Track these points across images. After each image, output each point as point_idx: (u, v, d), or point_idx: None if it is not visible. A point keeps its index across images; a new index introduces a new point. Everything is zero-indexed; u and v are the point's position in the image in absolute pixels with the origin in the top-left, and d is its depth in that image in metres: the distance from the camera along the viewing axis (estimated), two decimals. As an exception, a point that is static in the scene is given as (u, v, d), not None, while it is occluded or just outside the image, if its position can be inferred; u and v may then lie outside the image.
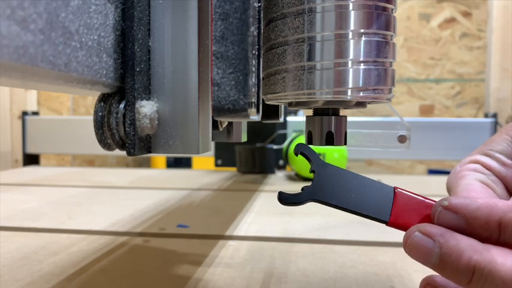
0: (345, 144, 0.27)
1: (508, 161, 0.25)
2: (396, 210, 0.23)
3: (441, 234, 0.20)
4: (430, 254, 0.20)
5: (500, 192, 0.25)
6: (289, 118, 0.97)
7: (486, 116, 1.08)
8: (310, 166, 0.24)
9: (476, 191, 0.24)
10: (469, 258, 0.19)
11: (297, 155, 0.25)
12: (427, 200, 0.23)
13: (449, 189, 0.26)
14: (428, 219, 0.22)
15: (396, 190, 0.23)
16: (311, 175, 0.24)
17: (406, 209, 0.23)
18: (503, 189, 0.25)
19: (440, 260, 0.20)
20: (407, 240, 0.21)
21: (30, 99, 1.28)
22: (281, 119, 0.37)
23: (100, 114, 0.22)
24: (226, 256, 0.38)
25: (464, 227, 0.20)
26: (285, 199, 0.24)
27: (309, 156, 0.24)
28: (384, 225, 0.23)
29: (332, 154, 0.82)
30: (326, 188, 0.23)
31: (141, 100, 0.22)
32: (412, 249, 0.21)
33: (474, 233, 0.20)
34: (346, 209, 0.23)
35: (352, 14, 0.23)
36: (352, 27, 0.23)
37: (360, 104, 0.26)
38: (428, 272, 0.33)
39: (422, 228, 0.21)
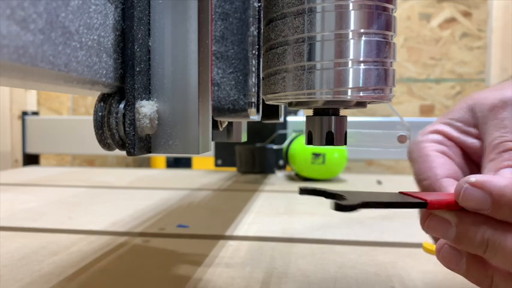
0: (345, 144, 0.27)
1: (466, 128, 0.27)
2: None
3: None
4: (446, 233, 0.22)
5: (458, 162, 0.27)
6: (289, 118, 0.97)
7: (486, 116, 1.08)
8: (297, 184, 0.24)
9: (436, 162, 0.25)
10: (482, 234, 0.21)
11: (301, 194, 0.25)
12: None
13: (411, 159, 0.27)
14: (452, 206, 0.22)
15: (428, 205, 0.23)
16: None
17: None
18: (461, 159, 0.27)
19: (456, 235, 0.22)
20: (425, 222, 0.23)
21: (30, 99, 1.28)
22: (281, 119, 0.37)
23: (100, 114, 0.22)
24: (226, 256, 0.38)
25: (490, 204, 0.21)
26: (341, 208, 0.23)
27: (328, 194, 0.24)
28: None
29: (332, 154, 0.82)
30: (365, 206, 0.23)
31: (141, 100, 0.22)
32: (428, 229, 0.23)
33: (499, 211, 0.21)
34: (390, 203, 0.23)
35: (352, 14, 0.23)
36: (352, 27, 0.23)
37: (360, 104, 0.26)
38: (429, 274, 0.33)
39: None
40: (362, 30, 0.23)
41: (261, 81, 0.26)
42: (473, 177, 0.21)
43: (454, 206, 0.22)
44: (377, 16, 0.24)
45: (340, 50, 0.23)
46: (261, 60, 0.26)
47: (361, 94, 0.24)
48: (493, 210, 0.21)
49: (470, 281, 0.24)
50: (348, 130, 0.27)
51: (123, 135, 0.22)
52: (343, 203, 0.22)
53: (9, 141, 1.25)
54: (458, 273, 0.24)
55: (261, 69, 0.26)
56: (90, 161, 1.77)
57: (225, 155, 0.98)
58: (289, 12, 0.24)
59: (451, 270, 0.24)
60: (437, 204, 0.22)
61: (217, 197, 0.67)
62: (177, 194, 0.69)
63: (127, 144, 0.21)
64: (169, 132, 0.22)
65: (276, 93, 0.26)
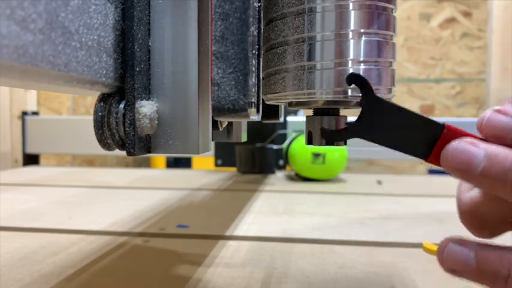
0: (345, 144, 0.27)
1: None
2: (440, 146, 0.22)
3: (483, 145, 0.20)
4: (473, 160, 0.20)
5: None
6: (289, 118, 0.97)
7: (486, 116, 1.08)
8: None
9: None
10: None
11: (350, 84, 0.23)
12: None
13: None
14: None
15: (445, 128, 0.22)
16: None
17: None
18: None
19: (485, 165, 0.20)
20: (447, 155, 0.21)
21: (30, 99, 1.28)
22: (281, 119, 0.37)
23: (100, 114, 0.22)
24: (226, 256, 0.38)
25: None
26: (329, 137, 0.23)
27: (362, 87, 0.23)
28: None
29: (332, 154, 0.82)
30: (370, 125, 0.23)
31: (141, 100, 0.22)
32: (454, 158, 0.20)
33: None
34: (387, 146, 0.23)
35: (352, 13, 0.23)
36: (352, 27, 0.23)
37: (360, 104, 0.26)
38: (429, 274, 0.33)
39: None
40: (362, 30, 0.23)
41: (261, 81, 0.26)
42: (496, 107, 0.20)
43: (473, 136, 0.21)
44: (377, 16, 0.24)
45: (340, 50, 0.23)
46: (261, 60, 0.26)
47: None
48: None
49: (480, 280, 0.21)
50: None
51: (123, 135, 0.22)
52: (330, 133, 0.23)
53: (9, 141, 1.25)
54: (466, 275, 0.22)
55: (261, 69, 0.26)
56: (90, 161, 1.77)
57: (225, 155, 0.98)
58: (289, 12, 0.24)
59: (457, 272, 0.22)
60: (455, 131, 0.21)
61: (217, 197, 0.67)
62: (177, 194, 0.69)
63: (127, 144, 0.21)
64: (169, 132, 0.22)
65: (276, 93, 0.26)
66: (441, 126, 0.22)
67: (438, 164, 0.22)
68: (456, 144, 0.21)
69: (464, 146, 0.20)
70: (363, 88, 0.23)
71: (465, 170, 0.20)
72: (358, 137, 0.23)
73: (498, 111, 0.21)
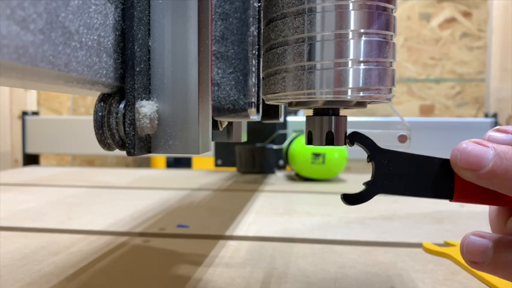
0: (345, 144, 0.27)
1: None
2: (459, 185, 0.23)
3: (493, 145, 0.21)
4: (483, 158, 0.21)
5: None
6: (289, 118, 0.97)
7: (486, 116, 1.08)
8: (366, 156, 0.24)
9: None
10: None
11: (352, 144, 0.25)
12: None
13: None
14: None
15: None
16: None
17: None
18: None
19: (494, 162, 0.20)
20: (457, 154, 0.22)
21: (30, 99, 1.28)
22: (281, 119, 0.37)
23: (100, 114, 0.22)
24: (226, 256, 0.38)
25: None
26: (351, 200, 0.24)
27: (365, 145, 0.24)
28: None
29: (332, 154, 0.82)
30: (386, 178, 0.24)
31: (141, 100, 0.22)
32: (464, 157, 0.21)
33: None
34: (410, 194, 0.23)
35: (352, 14, 0.23)
36: (352, 27, 0.23)
37: (360, 104, 0.26)
38: (429, 274, 0.33)
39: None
40: (362, 30, 0.23)
41: (261, 81, 0.26)
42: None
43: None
44: (377, 16, 0.24)
45: (340, 50, 0.23)
46: (261, 60, 0.26)
47: (361, 94, 0.24)
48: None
49: (497, 271, 0.22)
50: (348, 130, 0.27)
51: (123, 135, 0.22)
52: (351, 196, 0.23)
53: (9, 141, 1.25)
54: (484, 268, 0.22)
55: (261, 69, 0.26)
56: (90, 161, 1.77)
57: (225, 155, 0.98)
58: (289, 12, 0.24)
59: (478, 265, 0.22)
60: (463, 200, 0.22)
61: (217, 197, 0.67)
62: (177, 194, 0.69)
63: (127, 144, 0.21)
64: (169, 132, 0.22)
65: (276, 93, 0.26)
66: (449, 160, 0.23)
67: (466, 201, 0.23)
68: (465, 144, 0.21)
69: (474, 145, 0.21)
70: (366, 145, 0.24)
71: (475, 169, 0.21)
72: (379, 193, 0.24)
73: (497, 129, 0.22)
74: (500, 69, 1.14)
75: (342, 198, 0.24)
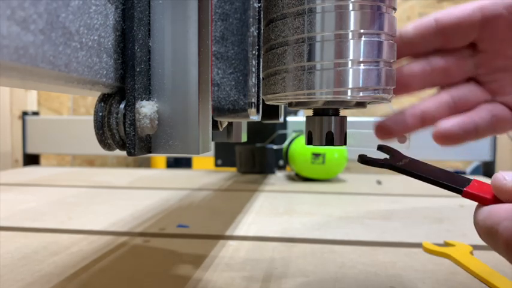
0: (345, 144, 0.27)
1: None
2: (472, 187, 0.24)
3: None
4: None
5: None
6: (289, 118, 0.97)
7: (486, 116, 1.08)
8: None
9: None
10: None
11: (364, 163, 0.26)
12: None
13: None
14: None
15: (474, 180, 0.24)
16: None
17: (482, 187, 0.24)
18: None
19: None
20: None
21: (30, 99, 1.29)
22: (281, 119, 0.37)
23: (100, 114, 0.22)
24: (226, 256, 0.38)
25: None
26: (366, 161, 0.25)
27: (378, 165, 0.25)
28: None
29: (332, 154, 0.82)
30: (404, 165, 0.25)
31: (141, 100, 0.22)
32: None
33: None
34: (424, 177, 0.24)
35: (352, 14, 0.23)
36: (352, 27, 0.23)
37: (360, 104, 0.26)
38: (429, 274, 0.33)
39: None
40: (362, 31, 0.23)
41: (261, 82, 0.26)
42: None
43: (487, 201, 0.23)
44: (377, 16, 0.24)
45: (340, 51, 0.23)
46: (261, 60, 0.26)
47: (361, 94, 0.24)
48: None
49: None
50: (348, 130, 0.27)
51: (124, 135, 0.22)
52: (368, 158, 0.25)
53: (10, 141, 1.25)
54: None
55: (261, 70, 0.26)
56: (90, 161, 1.77)
57: (225, 155, 0.98)
58: (289, 12, 0.24)
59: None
60: (472, 194, 0.23)
61: (218, 197, 0.67)
62: (177, 194, 0.69)
63: (127, 145, 0.21)
64: (169, 132, 0.22)
65: (276, 93, 0.26)
66: (465, 184, 0.24)
67: (474, 199, 0.24)
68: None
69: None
70: (379, 166, 0.25)
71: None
72: (394, 170, 0.25)
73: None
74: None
75: (358, 158, 0.25)
